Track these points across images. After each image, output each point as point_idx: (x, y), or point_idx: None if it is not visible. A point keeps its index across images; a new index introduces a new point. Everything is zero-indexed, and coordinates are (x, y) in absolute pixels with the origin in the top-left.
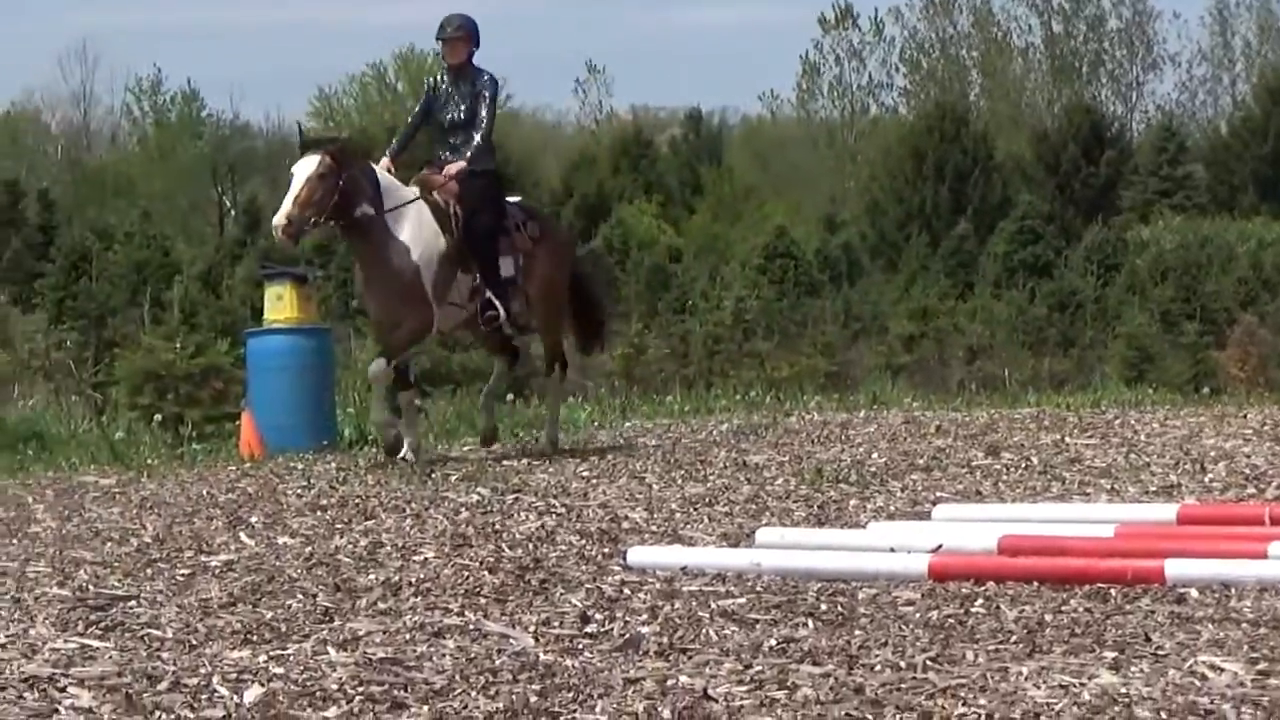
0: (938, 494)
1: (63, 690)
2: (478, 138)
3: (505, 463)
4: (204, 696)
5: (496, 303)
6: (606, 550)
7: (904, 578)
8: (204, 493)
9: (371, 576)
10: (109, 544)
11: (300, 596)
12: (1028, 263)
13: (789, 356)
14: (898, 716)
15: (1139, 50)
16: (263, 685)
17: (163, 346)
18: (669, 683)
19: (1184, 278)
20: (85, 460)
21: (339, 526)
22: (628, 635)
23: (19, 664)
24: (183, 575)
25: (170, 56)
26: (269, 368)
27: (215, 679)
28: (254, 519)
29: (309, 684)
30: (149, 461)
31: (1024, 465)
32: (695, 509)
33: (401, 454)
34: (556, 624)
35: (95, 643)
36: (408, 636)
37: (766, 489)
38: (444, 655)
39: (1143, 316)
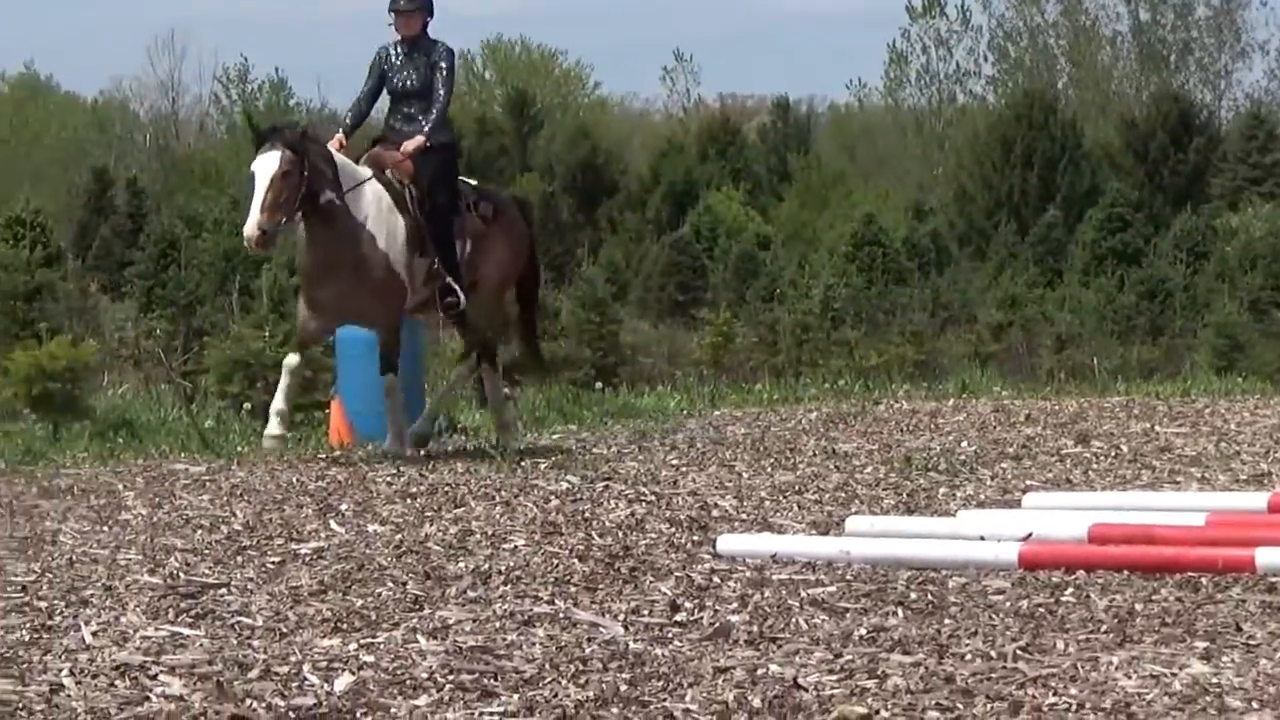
0: (1027, 482)
1: (154, 678)
2: (435, 110)
3: (595, 450)
4: (294, 684)
5: (456, 288)
6: (696, 538)
7: (994, 566)
8: (294, 480)
9: (461, 564)
10: (199, 531)
11: (390, 584)
12: (1116, 250)
13: (877, 345)
14: (988, 706)
15: (1227, 39)
16: (353, 673)
17: (252, 335)
18: (759, 671)
19: (1274, 265)
20: (175, 448)
21: (429, 514)
22: (717, 624)
23: (110, 652)
24: (273, 563)
25: (258, 46)
26: (358, 356)
27: (306, 667)
28: (344, 506)
29: (399, 672)
30: (239, 449)
31: (1114, 454)
32: (785, 497)
33: (390, 448)
34: (646, 612)
35: (186, 630)
36: (498, 625)
37: (856, 477)
38: (534, 644)
39: (1232, 304)
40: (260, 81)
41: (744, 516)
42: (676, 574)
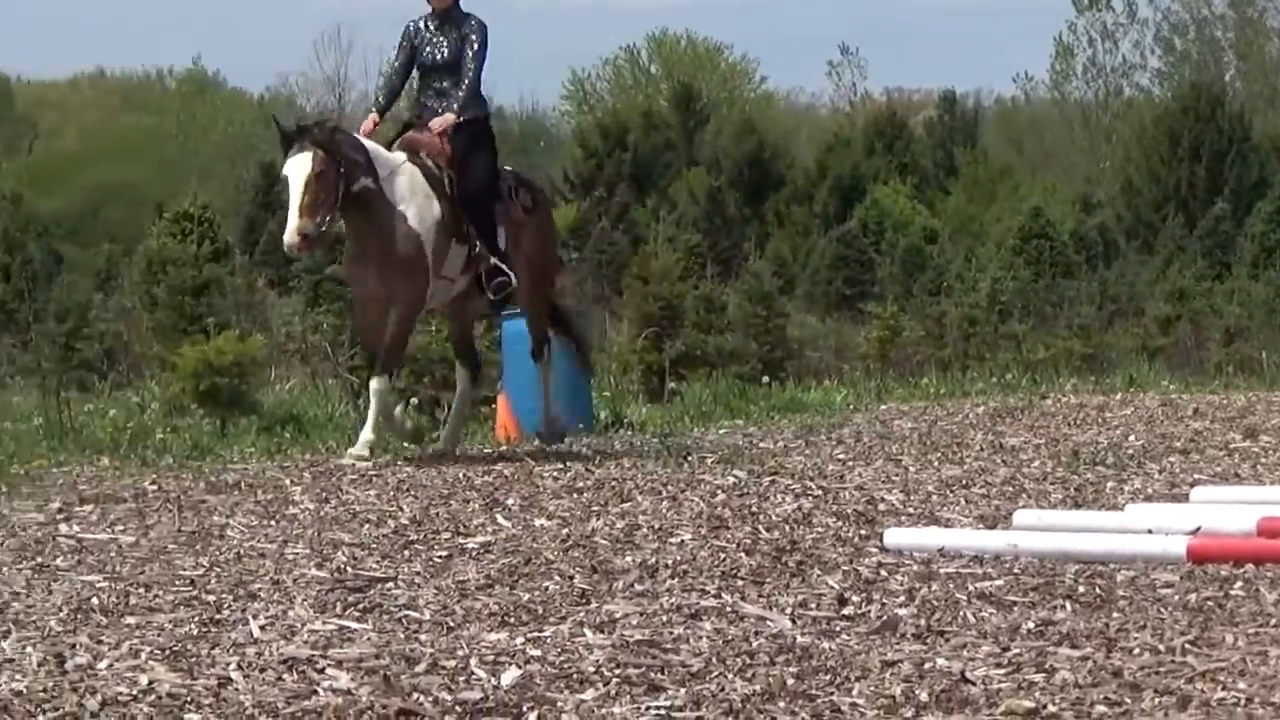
0: (1195, 476)
1: (321, 671)
2: (466, 84)
3: (762, 445)
4: (461, 678)
5: (504, 268)
6: (863, 532)
7: (1162, 560)
8: (460, 475)
9: (628, 558)
10: (366, 526)
11: (557, 578)
12: None
13: (1044, 339)
14: (1156, 700)
15: None
16: (520, 667)
17: (419, 329)
18: (926, 665)
19: None
20: (342, 443)
21: (595, 509)
22: (885, 617)
23: (278, 645)
24: (440, 557)
25: None
26: (525, 351)
27: (473, 661)
28: (510, 501)
29: (566, 666)
30: (406, 443)
31: None
32: (952, 491)
33: (357, 451)
34: (813, 606)
35: (353, 624)
36: (664, 619)
37: (1023, 471)
38: (701, 637)
39: None
40: None
41: (911, 510)
42: (844, 568)
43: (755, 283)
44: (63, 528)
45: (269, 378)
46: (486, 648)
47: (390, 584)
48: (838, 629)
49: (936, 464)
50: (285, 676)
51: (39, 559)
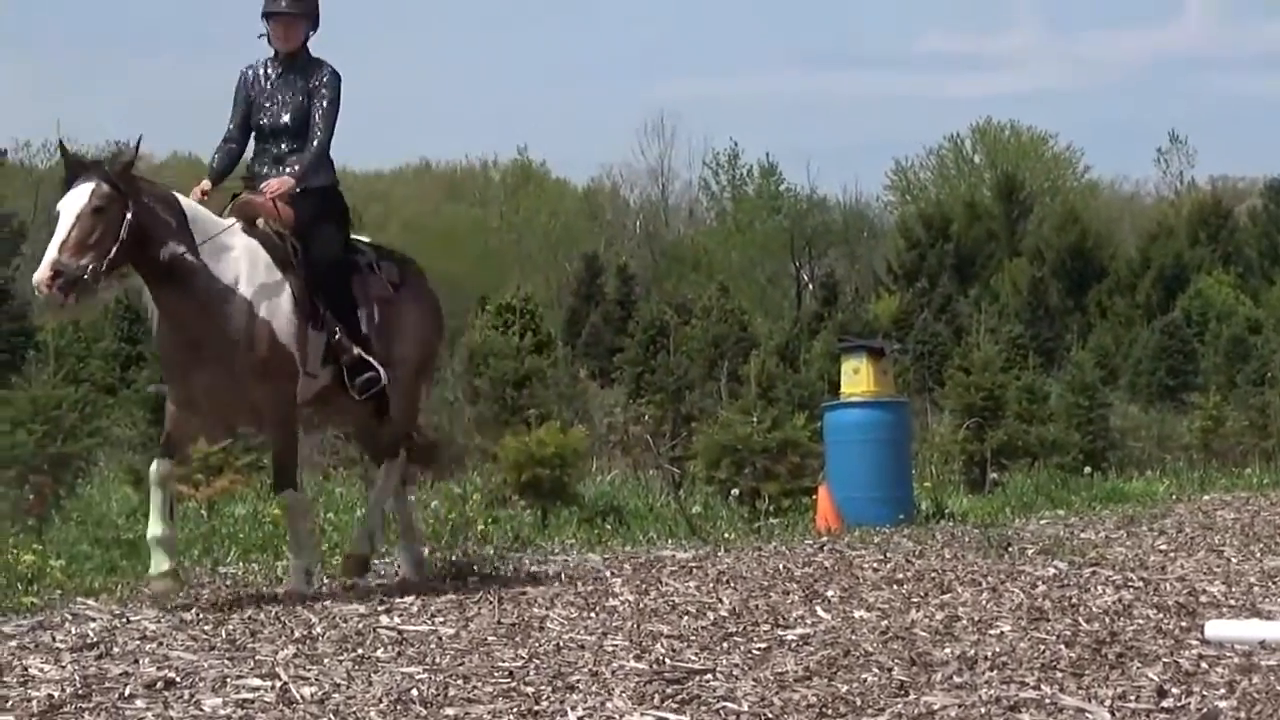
0: None
1: None
2: (314, 146)
3: (1083, 535)
4: None
5: (371, 361)
6: (1184, 624)
7: None
8: (780, 566)
9: (947, 650)
10: (685, 618)
11: (876, 670)
12: None
13: None
14: None
15: None
16: None
17: (740, 420)
18: None
19: None
20: (663, 534)
21: (915, 600)
22: (1205, 710)
23: None
24: (759, 649)
25: (746, 129)
26: (847, 441)
27: None
28: (830, 593)
29: None
30: (726, 535)
31: None
32: (1275, 583)
33: (294, 585)
34: (1133, 698)
35: (672, 716)
36: (983, 710)
37: None
38: None
39: None
40: (749, 166)
41: (1232, 602)
42: (1164, 659)
43: (1077, 373)
44: (383, 619)
45: (590, 469)
46: None
47: (709, 675)
48: None
49: (1259, 555)
50: None
51: (359, 650)
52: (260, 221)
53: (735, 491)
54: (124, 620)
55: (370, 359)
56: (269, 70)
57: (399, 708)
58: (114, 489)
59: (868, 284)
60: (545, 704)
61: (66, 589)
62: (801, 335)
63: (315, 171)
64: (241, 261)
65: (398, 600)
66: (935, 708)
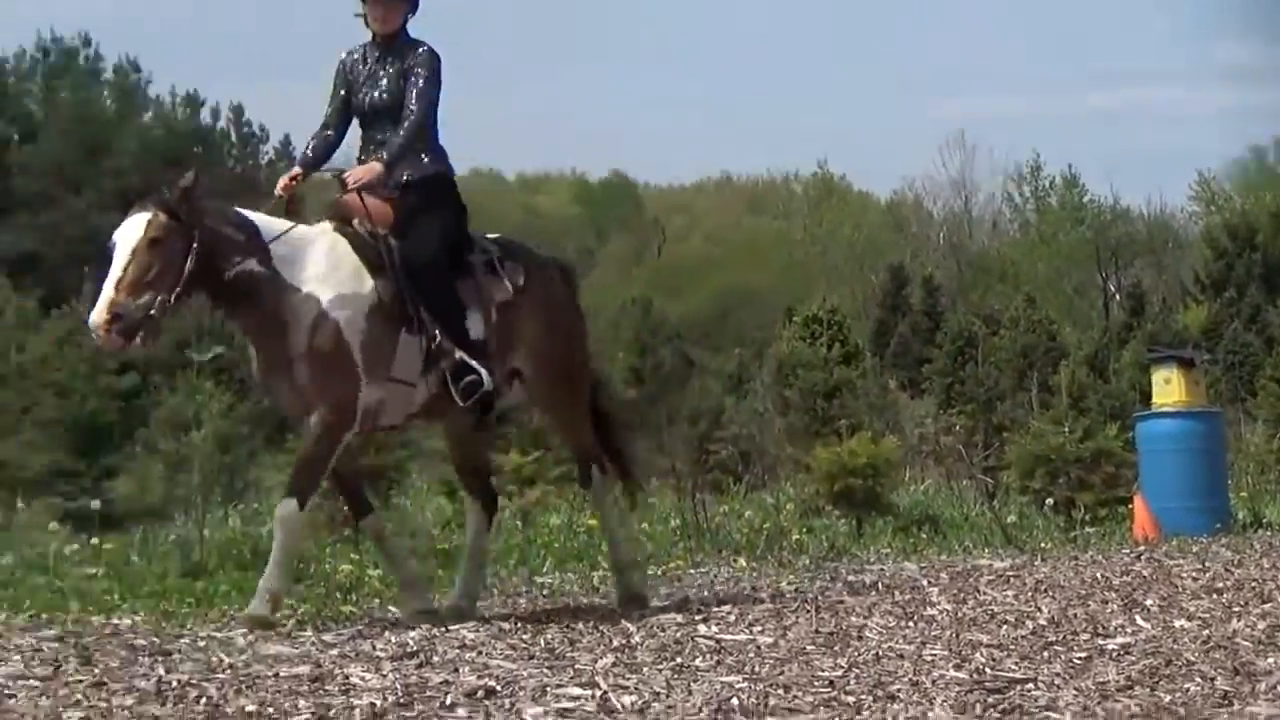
0: None
1: None
2: (407, 127)
3: None
4: None
5: (474, 363)
6: None
7: None
8: (1098, 575)
9: (1270, 660)
10: (1004, 627)
11: (1199, 680)
12: None
13: None
14: None
15: None
16: None
17: (1052, 430)
18: None
19: None
20: (979, 543)
21: (1236, 609)
22: None
23: None
24: (1079, 658)
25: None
26: (1160, 450)
27: None
28: (1149, 601)
29: None
30: (1042, 545)
31: None
32: None
33: (255, 611)
34: None
35: None
36: None
37: None
38: None
39: None
40: (1052, 178)
41: None
42: None
43: None
44: (701, 628)
45: (903, 478)
46: None
47: (1030, 685)
48: None
49: None
50: None
51: (678, 659)
52: (356, 221)
53: (1050, 501)
54: (443, 629)
55: (472, 362)
56: (367, 54)
57: (720, 716)
58: (427, 500)
59: (1174, 294)
60: (867, 713)
61: (384, 598)
62: (1111, 345)
63: (410, 157)
64: (319, 262)
65: (714, 610)
66: (1260, 717)
